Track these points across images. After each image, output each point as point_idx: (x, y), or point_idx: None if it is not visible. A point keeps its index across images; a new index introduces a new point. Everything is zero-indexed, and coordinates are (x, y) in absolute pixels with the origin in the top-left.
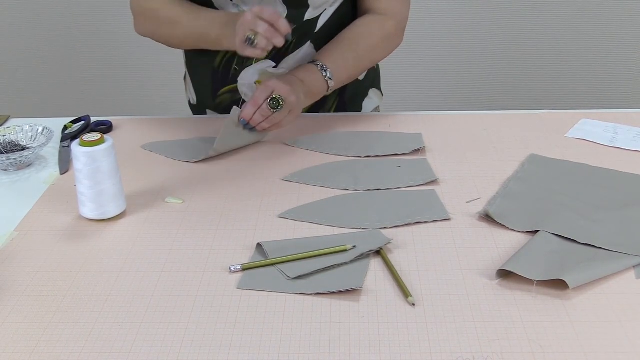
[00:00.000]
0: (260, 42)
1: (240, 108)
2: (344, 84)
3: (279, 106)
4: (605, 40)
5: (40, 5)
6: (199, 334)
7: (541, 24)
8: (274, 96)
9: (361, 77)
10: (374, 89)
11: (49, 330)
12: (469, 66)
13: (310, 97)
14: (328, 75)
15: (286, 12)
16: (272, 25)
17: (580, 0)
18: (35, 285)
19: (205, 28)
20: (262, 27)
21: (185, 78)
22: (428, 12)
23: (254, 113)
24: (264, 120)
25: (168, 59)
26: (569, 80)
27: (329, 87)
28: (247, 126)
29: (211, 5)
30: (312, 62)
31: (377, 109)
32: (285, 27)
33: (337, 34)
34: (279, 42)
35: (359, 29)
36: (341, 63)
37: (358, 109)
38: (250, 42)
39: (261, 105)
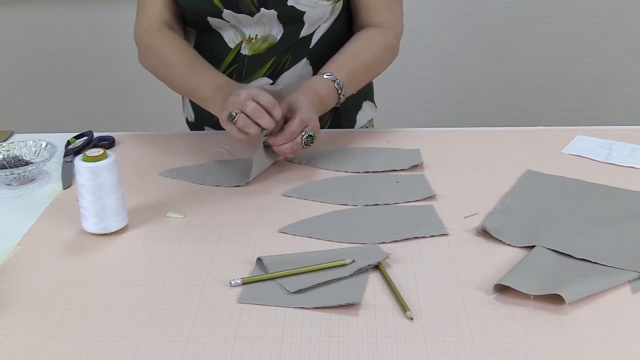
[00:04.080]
0: (239, 120)
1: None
2: (350, 94)
3: (312, 142)
4: (600, 58)
5: (45, 22)
6: (199, 347)
7: (537, 43)
8: (310, 133)
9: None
10: (367, 101)
11: (50, 343)
12: (465, 83)
13: (322, 110)
14: (341, 88)
15: (282, 31)
16: (265, 109)
17: (575, 18)
18: (38, 298)
19: (198, 85)
20: (250, 108)
21: (182, 97)
22: (424, 30)
23: (285, 146)
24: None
25: None
26: (565, 97)
27: (339, 100)
28: (269, 148)
29: (208, 27)
30: (324, 74)
31: (371, 121)
32: (278, 114)
33: (332, 49)
34: (265, 123)
35: (364, 41)
36: (351, 76)
37: (352, 121)
38: (231, 118)
39: (294, 139)
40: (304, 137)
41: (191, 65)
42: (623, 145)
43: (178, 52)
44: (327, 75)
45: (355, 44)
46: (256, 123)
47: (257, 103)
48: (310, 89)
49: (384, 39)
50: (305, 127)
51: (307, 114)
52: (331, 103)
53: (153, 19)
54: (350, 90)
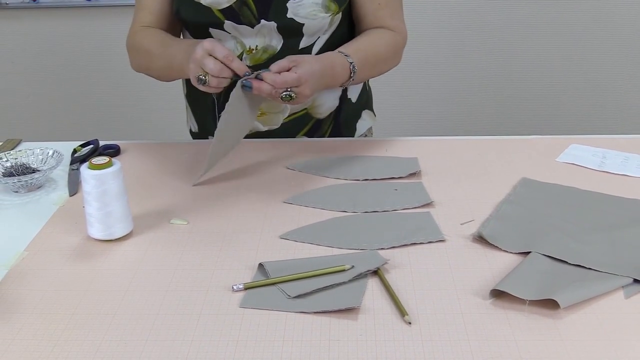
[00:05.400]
0: (211, 81)
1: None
2: (360, 82)
3: (290, 100)
4: (594, 68)
5: (51, 33)
6: (202, 351)
7: (532, 54)
8: (292, 95)
9: (354, 100)
10: (366, 110)
11: (57, 347)
12: (461, 94)
13: (330, 83)
14: (354, 70)
15: (282, 42)
16: (224, 64)
17: (569, 29)
18: (44, 303)
19: (171, 57)
20: (209, 66)
21: (187, 108)
22: (422, 41)
23: (266, 86)
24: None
25: (173, 86)
26: (560, 107)
27: (348, 81)
28: (247, 87)
29: (209, 37)
30: (341, 52)
31: (370, 130)
32: (239, 68)
33: None
34: (228, 73)
35: (377, 35)
36: (364, 62)
37: (352, 130)
38: (202, 82)
39: (276, 88)
40: (284, 94)
41: (162, 43)
42: (616, 154)
43: (152, 39)
44: (344, 54)
45: (368, 36)
46: (229, 69)
47: (215, 58)
48: (327, 58)
49: (393, 39)
50: (297, 84)
51: (307, 72)
52: (340, 80)
53: (141, 26)
54: (359, 76)
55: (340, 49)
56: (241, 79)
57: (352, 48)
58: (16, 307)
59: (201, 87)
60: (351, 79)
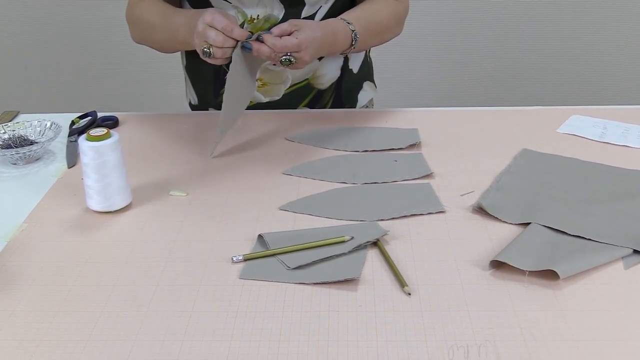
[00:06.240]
0: (216, 53)
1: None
2: (361, 51)
3: (289, 64)
4: (595, 39)
5: (50, 4)
6: (202, 322)
7: (533, 24)
8: (292, 60)
9: (355, 70)
10: (368, 81)
11: (57, 318)
12: (462, 64)
13: (330, 50)
14: (355, 39)
15: (283, 11)
16: (224, 34)
17: (569, 0)
18: (44, 274)
19: (173, 30)
20: (211, 37)
21: (185, 80)
22: (421, 12)
23: (265, 48)
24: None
25: (172, 58)
26: (560, 78)
27: (350, 49)
28: (246, 48)
29: (209, 6)
30: (343, 19)
31: (371, 101)
32: (239, 34)
33: None
34: (232, 43)
35: (380, 4)
36: (366, 30)
37: (354, 101)
38: (207, 54)
39: (276, 52)
40: (283, 57)
41: (164, 15)
42: (617, 125)
43: (153, 10)
44: (346, 21)
45: (371, 4)
46: (231, 38)
47: (215, 29)
48: (330, 24)
49: (395, 8)
50: (297, 49)
51: (308, 37)
52: (341, 47)
53: None
54: (360, 44)
55: (343, 15)
56: (241, 41)
57: (354, 15)
58: (16, 279)
59: (208, 60)
60: (352, 47)
